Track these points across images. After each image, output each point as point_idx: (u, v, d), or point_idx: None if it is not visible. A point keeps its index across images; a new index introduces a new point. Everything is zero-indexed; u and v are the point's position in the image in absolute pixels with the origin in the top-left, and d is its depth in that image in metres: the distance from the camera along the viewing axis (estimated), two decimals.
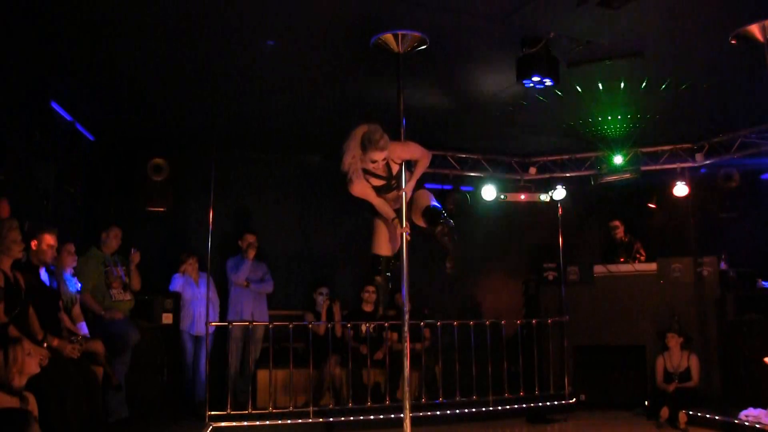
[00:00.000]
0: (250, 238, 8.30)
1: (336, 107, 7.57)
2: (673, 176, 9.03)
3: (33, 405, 4.07)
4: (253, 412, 7.14)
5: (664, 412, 7.26)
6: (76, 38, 5.68)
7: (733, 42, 5.56)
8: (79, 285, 6.28)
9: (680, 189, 9.02)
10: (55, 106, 7.02)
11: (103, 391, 5.72)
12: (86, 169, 7.98)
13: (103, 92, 7.04)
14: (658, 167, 9.01)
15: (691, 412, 7.21)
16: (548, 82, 5.83)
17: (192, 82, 6.74)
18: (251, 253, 8.21)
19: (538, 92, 6.82)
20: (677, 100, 7.23)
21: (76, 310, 6.10)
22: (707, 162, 8.72)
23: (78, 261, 6.32)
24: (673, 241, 9.67)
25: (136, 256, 7.18)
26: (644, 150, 8.97)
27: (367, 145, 4.64)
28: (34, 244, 5.30)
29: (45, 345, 4.87)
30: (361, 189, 4.89)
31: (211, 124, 8.16)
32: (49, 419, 4.29)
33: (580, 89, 6.91)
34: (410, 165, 5.13)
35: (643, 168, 8.93)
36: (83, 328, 6.00)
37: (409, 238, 5.05)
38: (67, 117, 7.34)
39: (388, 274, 5.18)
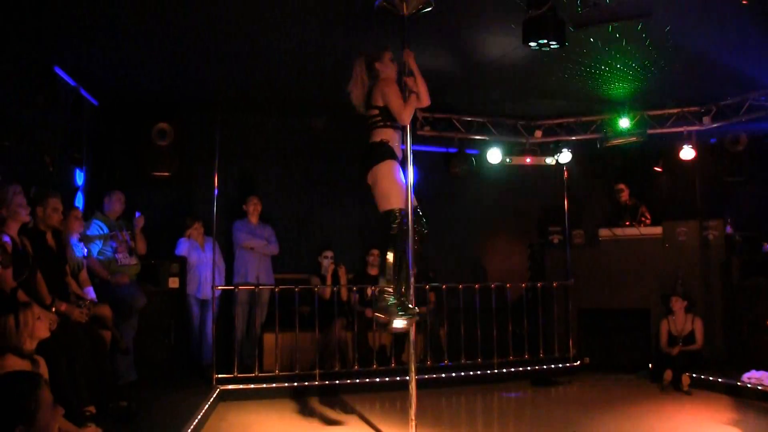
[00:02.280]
0: (254, 201, 8.34)
1: (342, 70, 7.47)
2: (680, 139, 8.96)
3: (43, 368, 4.13)
4: (260, 375, 7.21)
5: (668, 374, 7.35)
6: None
7: (745, 2, 5.47)
8: (86, 250, 6.30)
9: (687, 152, 8.97)
10: (58, 71, 6.96)
11: (112, 355, 5.77)
12: (90, 135, 7.95)
13: (107, 56, 6.96)
14: (664, 130, 8.93)
15: (694, 375, 7.30)
16: (554, 45, 5.76)
17: (197, 44, 6.66)
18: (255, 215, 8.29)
19: (544, 54, 6.73)
20: (685, 61, 7.14)
21: (83, 275, 6.13)
22: (714, 125, 8.64)
23: (84, 227, 6.34)
24: (678, 205, 9.66)
25: (140, 221, 7.19)
26: (650, 113, 8.90)
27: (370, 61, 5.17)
28: (39, 210, 5.31)
29: (53, 310, 4.92)
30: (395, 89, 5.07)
31: (216, 88, 8.09)
32: (59, 382, 4.33)
33: (585, 51, 6.83)
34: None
35: (650, 131, 8.86)
36: (90, 293, 6.04)
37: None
38: (71, 82, 7.30)
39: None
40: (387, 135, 5.09)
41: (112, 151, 8.47)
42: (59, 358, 4.51)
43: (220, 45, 6.72)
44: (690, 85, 8.09)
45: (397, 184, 5.02)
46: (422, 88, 5.12)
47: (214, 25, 6.21)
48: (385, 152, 5.05)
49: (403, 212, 4.95)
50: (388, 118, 5.08)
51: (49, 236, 5.42)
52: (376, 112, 5.12)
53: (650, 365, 7.96)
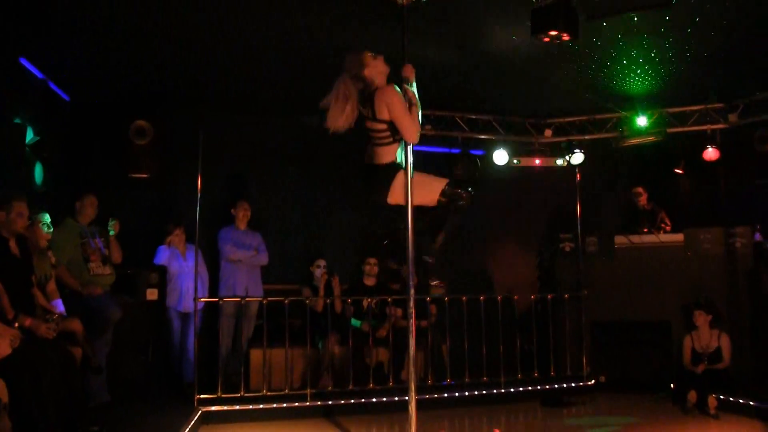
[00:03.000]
0: (244, 206, 8.31)
1: (335, 64, 7.42)
2: (703, 139, 8.87)
3: (2, 391, 4.03)
4: (246, 395, 7.16)
5: (692, 395, 7.25)
6: None
7: None
8: (54, 259, 6.24)
9: (710, 153, 8.89)
10: (24, 62, 6.92)
11: (82, 374, 5.70)
12: (61, 133, 7.92)
13: (78, 47, 6.91)
14: (686, 129, 8.87)
15: (721, 397, 7.20)
16: (566, 37, 5.68)
17: (178, 33, 6.61)
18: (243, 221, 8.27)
19: (556, 47, 6.67)
20: (708, 54, 7.07)
21: (51, 285, 6.05)
22: (742, 123, 8.57)
23: (52, 234, 6.26)
24: (701, 210, 9.61)
25: (115, 226, 7.14)
26: (671, 110, 8.82)
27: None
28: (2, 215, 5.22)
29: (17, 325, 4.85)
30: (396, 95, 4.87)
31: (200, 82, 8.07)
32: (22, 406, 4.27)
33: (600, 43, 6.77)
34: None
35: (670, 130, 8.82)
36: (59, 306, 5.96)
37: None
38: (39, 75, 7.26)
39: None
40: (394, 152, 4.95)
41: (85, 150, 8.43)
42: (23, 378, 4.48)
43: (204, 36, 6.69)
44: (714, 79, 8.01)
45: (423, 175, 5.06)
46: (415, 119, 4.89)
47: (197, 14, 6.16)
48: (396, 169, 4.97)
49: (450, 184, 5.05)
50: (396, 132, 4.88)
51: (12, 243, 5.33)
52: (384, 126, 4.86)
53: (672, 385, 7.86)
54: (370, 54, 4.89)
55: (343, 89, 4.81)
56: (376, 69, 4.90)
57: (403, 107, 4.79)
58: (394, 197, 5.00)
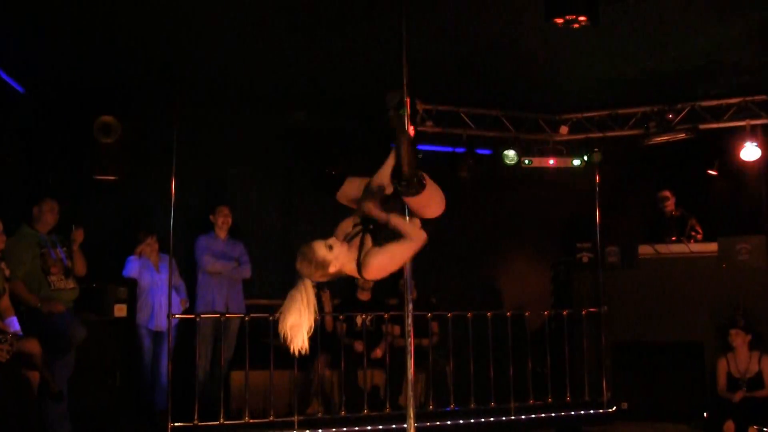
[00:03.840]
0: (224, 212, 8.31)
1: (325, 54, 7.53)
2: (741, 136, 8.83)
3: None
4: (226, 422, 7.16)
5: (729, 426, 7.27)
6: None
7: None
8: (8, 272, 6.19)
9: (750, 151, 8.83)
10: None
11: (40, 402, 5.73)
12: (16, 129, 7.94)
13: (32, 29, 6.86)
14: (721, 125, 8.85)
15: (764, 429, 7.18)
16: (584, 21, 5.63)
17: (149, 17, 6.55)
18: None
19: (572, 33, 6.64)
20: (747, 36, 7.03)
21: (5, 302, 6.00)
22: None
23: (6, 243, 6.20)
24: (738, 217, 9.63)
25: (78, 235, 7.06)
26: (703, 104, 8.79)
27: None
28: None
29: None
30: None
31: (174, 73, 8.05)
32: None
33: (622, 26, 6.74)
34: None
35: (702, 126, 8.80)
36: (14, 325, 5.91)
37: None
38: None
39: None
40: None
41: (43, 149, 8.41)
42: None
43: (179, 18, 6.60)
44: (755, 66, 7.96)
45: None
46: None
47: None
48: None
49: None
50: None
51: None
52: None
53: (705, 414, 7.87)
54: (323, 245, 4.07)
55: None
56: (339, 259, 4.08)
57: (396, 249, 4.02)
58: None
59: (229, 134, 9.30)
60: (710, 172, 9.77)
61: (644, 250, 9.03)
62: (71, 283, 6.93)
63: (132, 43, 7.25)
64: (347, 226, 4.22)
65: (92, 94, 8.41)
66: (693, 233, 9.16)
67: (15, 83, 7.95)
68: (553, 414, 8.21)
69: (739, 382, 7.67)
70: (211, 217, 8.33)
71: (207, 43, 7.26)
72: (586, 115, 9.53)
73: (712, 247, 8.78)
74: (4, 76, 7.64)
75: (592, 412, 8.35)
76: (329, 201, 9.27)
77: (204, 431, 6.97)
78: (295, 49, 7.40)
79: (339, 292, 8.73)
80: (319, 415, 7.49)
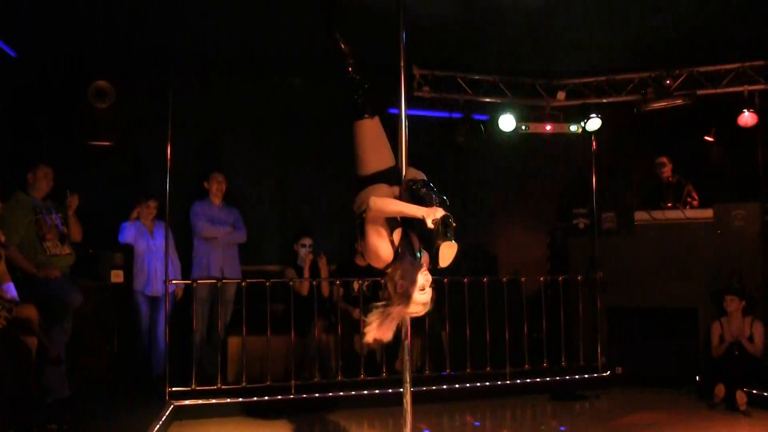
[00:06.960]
0: (218, 178, 8.30)
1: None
2: (739, 102, 8.79)
3: None
4: (223, 387, 7.23)
5: (720, 389, 7.31)
6: None
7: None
8: (3, 238, 6.18)
9: (746, 117, 8.80)
10: None
11: (39, 366, 5.73)
12: (8, 95, 7.89)
13: None
14: (719, 91, 8.79)
15: (754, 391, 7.23)
16: None
17: None
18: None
19: None
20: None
21: (1, 268, 5.99)
22: None
23: (1, 209, 6.22)
24: (734, 183, 9.59)
25: (73, 200, 7.10)
26: (701, 69, 8.75)
27: None
28: None
29: None
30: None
31: (169, 38, 7.96)
32: None
33: None
34: None
35: (699, 92, 8.76)
36: (11, 290, 5.92)
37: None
38: None
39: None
40: None
41: (37, 115, 8.34)
42: None
43: None
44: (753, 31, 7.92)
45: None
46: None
47: None
48: None
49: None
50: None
51: None
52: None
53: (697, 378, 7.94)
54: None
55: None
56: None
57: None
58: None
59: (224, 99, 9.19)
60: (707, 138, 9.77)
61: (640, 216, 9.04)
62: (67, 249, 6.97)
63: (127, 6, 7.16)
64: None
65: (86, 58, 8.33)
66: (689, 199, 9.17)
67: (7, 47, 7.86)
68: (548, 379, 8.27)
69: (732, 347, 7.73)
70: (205, 183, 8.31)
71: (202, 8, 7.17)
72: (583, 80, 9.47)
73: (708, 213, 8.81)
74: None
75: (586, 376, 8.41)
76: (325, 170, 9.33)
77: (201, 395, 7.02)
78: (290, 14, 7.31)
79: (336, 258, 8.77)
80: (316, 380, 7.54)
